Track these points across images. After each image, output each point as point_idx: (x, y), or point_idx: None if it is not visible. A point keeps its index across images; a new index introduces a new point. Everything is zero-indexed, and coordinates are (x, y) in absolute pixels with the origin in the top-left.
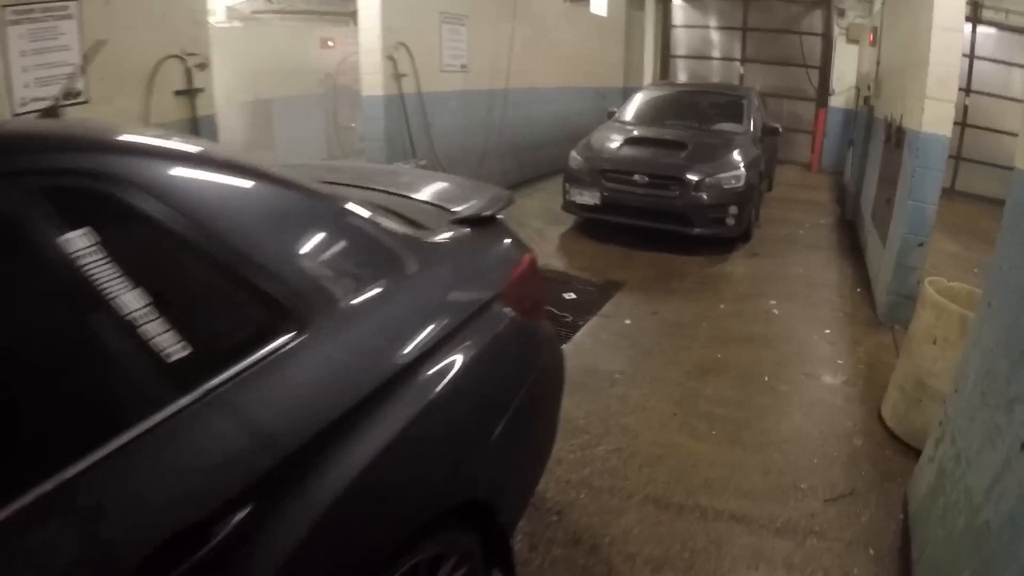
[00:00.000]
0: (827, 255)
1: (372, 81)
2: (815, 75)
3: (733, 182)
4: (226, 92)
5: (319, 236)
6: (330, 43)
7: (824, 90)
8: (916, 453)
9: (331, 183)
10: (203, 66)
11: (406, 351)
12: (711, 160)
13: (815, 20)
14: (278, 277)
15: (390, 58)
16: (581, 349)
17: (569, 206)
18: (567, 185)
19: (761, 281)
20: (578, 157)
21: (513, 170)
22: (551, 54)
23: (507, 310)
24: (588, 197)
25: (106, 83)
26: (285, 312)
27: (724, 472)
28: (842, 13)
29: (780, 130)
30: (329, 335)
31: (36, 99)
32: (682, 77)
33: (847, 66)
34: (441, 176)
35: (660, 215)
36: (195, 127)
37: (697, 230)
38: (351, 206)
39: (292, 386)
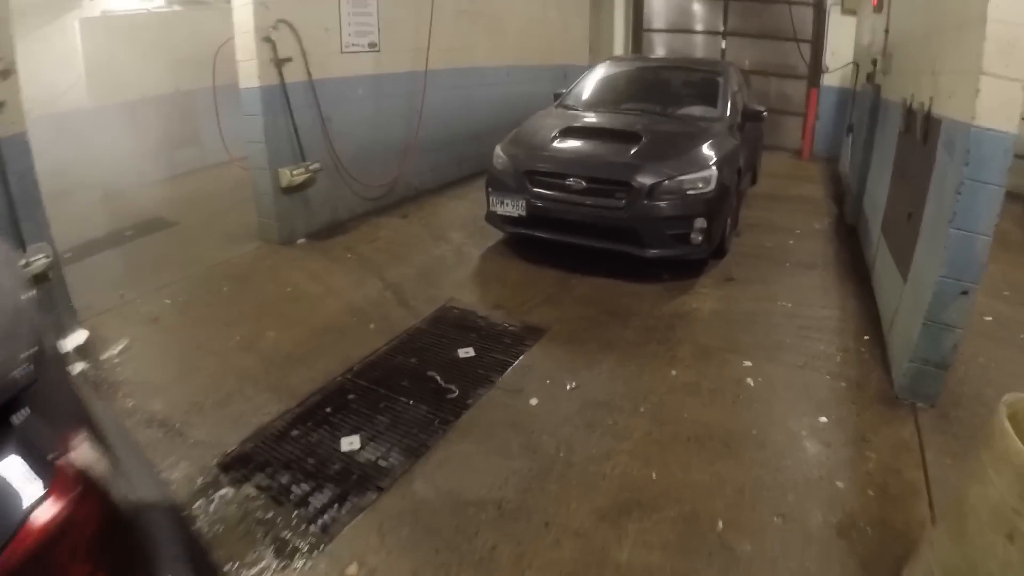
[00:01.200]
0: (823, 278)
1: (248, 69)
2: (807, 50)
3: (700, 186)
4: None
5: None
6: None
7: (816, 67)
8: None
9: None
10: (6, 74)
11: None
12: (671, 156)
13: None
14: None
15: (267, 40)
16: (454, 456)
17: (491, 217)
18: (489, 190)
19: (734, 324)
20: (501, 155)
21: (447, 166)
22: (495, 28)
23: None
24: (511, 207)
25: None
26: None
27: None
28: None
29: (764, 114)
30: None
31: None
32: (659, 53)
33: (843, 40)
34: None
35: (602, 232)
36: None
37: (651, 252)
38: None
39: None
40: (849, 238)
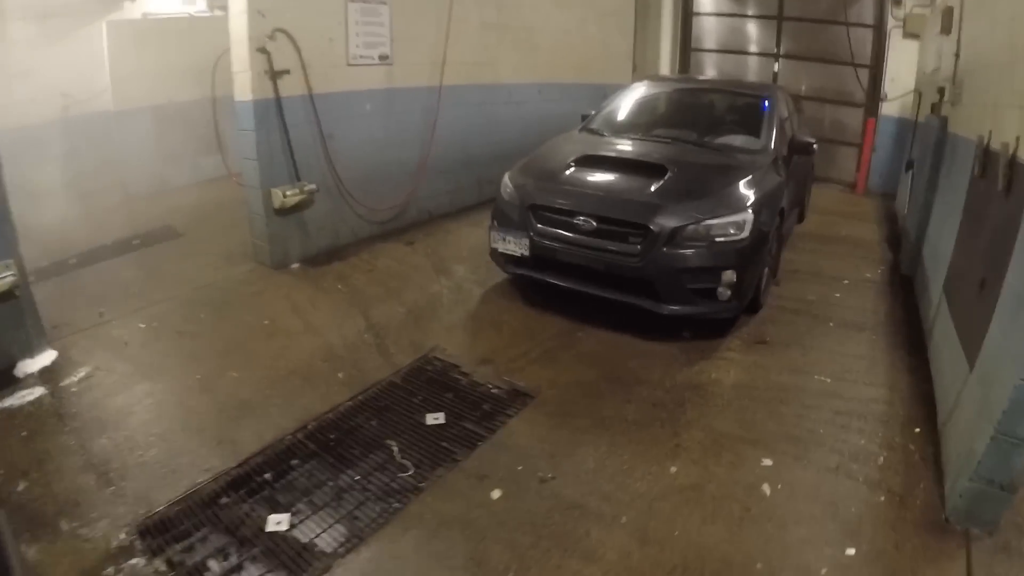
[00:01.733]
0: (872, 344)
1: (242, 82)
2: (865, 76)
3: (732, 232)
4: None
5: None
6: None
7: (875, 95)
8: None
9: None
10: None
11: None
12: (700, 195)
13: (865, 9)
14: None
15: (262, 51)
16: (386, 557)
17: (494, 255)
18: (493, 224)
19: (759, 404)
20: (508, 184)
21: (466, 189)
22: (525, 43)
23: None
24: (514, 245)
25: None
26: None
27: None
28: (898, 2)
29: (815, 146)
30: None
31: None
32: (709, 75)
33: (904, 66)
34: None
35: (613, 281)
36: None
37: (669, 308)
38: None
39: None
40: (904, 292)
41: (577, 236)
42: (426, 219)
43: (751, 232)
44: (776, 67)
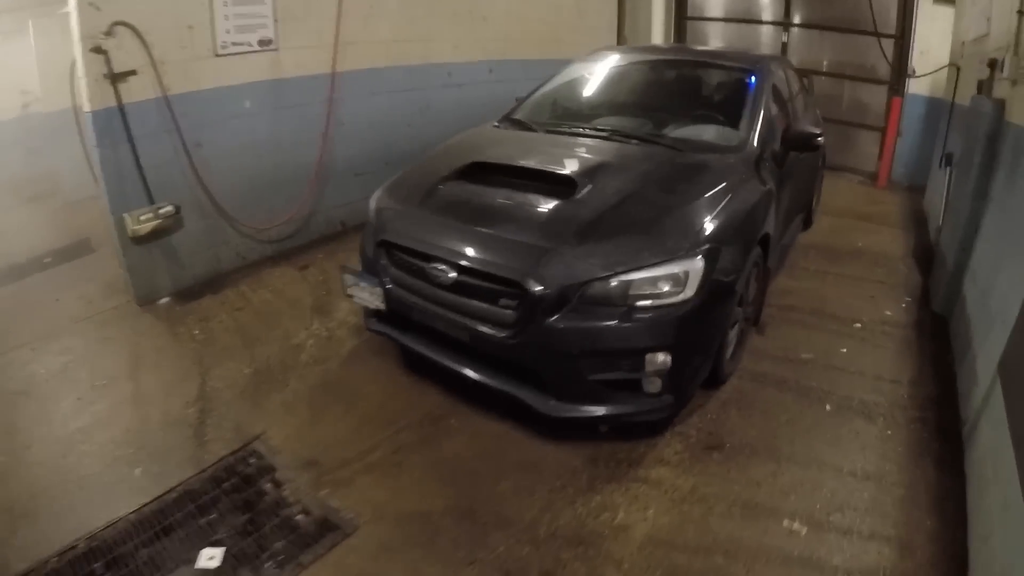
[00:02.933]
0: (883, 448)
1: (84, 89)
2: (890, 48)
3: (667, 290)
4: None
5: None
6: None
7: (901, 70)
8: None
9: None
10: None
11: None
12: (618, 230)
13: None
14: None
15: (97, 51)
16: None
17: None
18: (344, 266)
19: None
20: (371, 207)
21: None
22: (470, 13)
23: None
24: (368, 294)
25: None
26: None
27: None
28: None
29: (820, 139)
30: None
31: None
32: (711, 46)
33: (936, 37)
34: None
35: (480, 360)
36: None
37: (561, 409)
38: None
39: None
40: (936, 342)
41: (434, 291)
42: (337, 231)
43: (700, 289)
44: (786, 37)
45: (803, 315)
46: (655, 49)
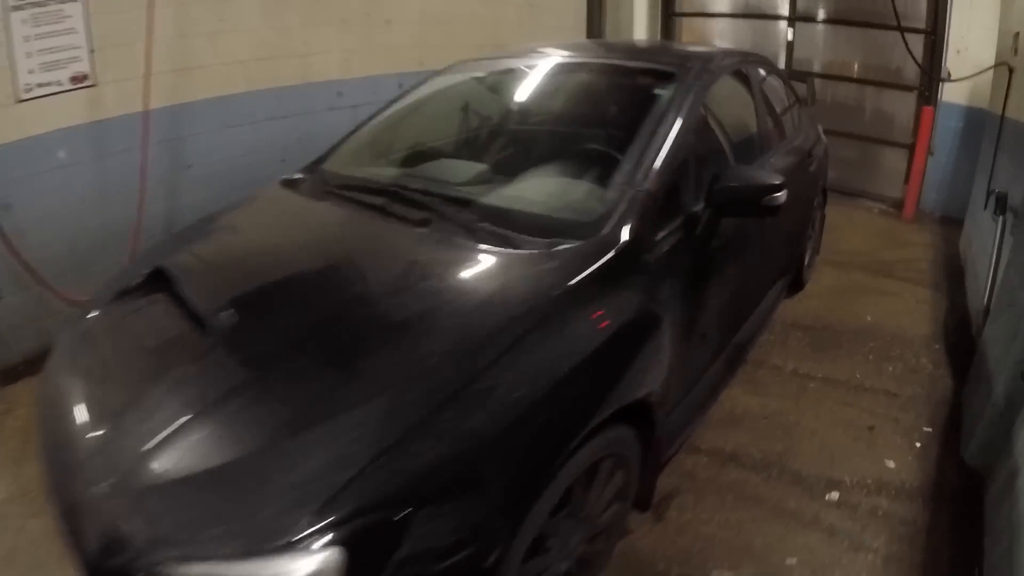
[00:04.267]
0: None
1: None
2: (919, 45)
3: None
4: None
5: None
6: None
7: (933, 72)
8: None
9: None
10: None
11: None
12: (192, 464)
13: None
14: None
15: None
16: None
17: None
18: None
19: None
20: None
21: None
22: (366, 17)
23: None
24: None
25: None
26: None
27: None
28: None
29: (780, 196)
30: None
31: None
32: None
33: (977, 31)
34: None
35: None
36: None
37: None
38: None
39: None
40: (963, 527)
41: None
42: None
43: None
44: (790, 34)
45: (747, 473)
46: (553, 51)
